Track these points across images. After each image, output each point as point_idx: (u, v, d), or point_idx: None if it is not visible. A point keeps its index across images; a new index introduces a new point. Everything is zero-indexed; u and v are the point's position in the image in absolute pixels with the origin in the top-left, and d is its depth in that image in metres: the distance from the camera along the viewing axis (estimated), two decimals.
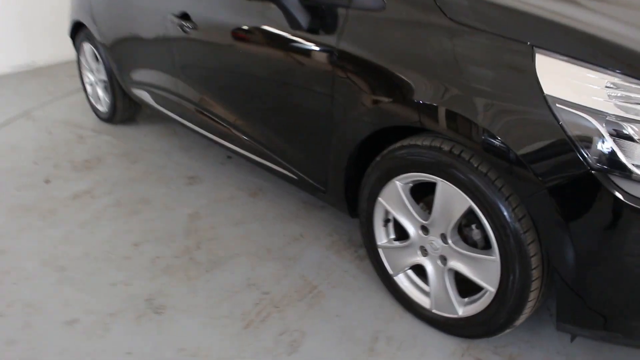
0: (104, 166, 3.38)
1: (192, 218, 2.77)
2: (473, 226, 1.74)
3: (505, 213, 1.53)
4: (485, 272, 1.67)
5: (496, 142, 1.46)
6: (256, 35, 2.26)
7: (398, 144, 1.81)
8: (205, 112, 2.79)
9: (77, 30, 3.92)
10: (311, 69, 1.99)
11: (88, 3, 3.57)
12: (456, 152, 1.61)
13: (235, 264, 2.40)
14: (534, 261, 1.55)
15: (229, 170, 3.21)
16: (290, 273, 2.33)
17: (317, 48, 1.94)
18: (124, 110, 3.85)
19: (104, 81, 3.80)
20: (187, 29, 2.57)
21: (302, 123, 2.17)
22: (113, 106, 3.80)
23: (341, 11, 1.87)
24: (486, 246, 1.70)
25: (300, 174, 2.33)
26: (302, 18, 1.92)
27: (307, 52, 1.99)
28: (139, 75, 3.33)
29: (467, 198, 1.61)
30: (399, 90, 1.67)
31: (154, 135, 3.78)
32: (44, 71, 5.44)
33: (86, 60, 3.97)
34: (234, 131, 2.64)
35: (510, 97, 1.45)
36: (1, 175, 3.33)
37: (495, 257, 1.62)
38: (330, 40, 1.89)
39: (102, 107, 3.97)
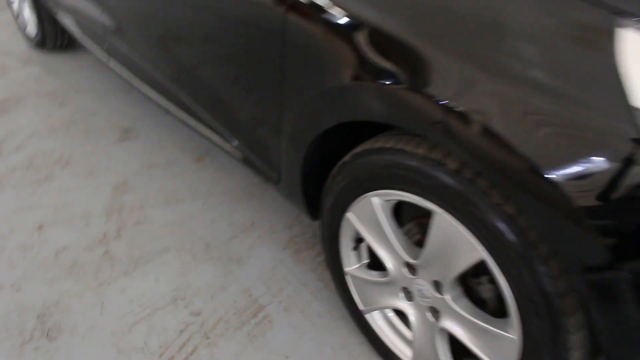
0: (23, 109, 2.72)
1: (117, 190, 2.16)
2: (483, 278, 1.15)
3: (542, 280, 0.94)
4: (496, 351, 1.11)
5: (541, 178, 0.85)
6: None
7: (376, 144, 1.18)
8: (136, 57, 2.11)
9: None
10: (254, 5, 1.34)
11: None
12: (468, 175, 0.99)
13: (161, 265, 1.83)
14: (574, 343, 0.98)
15: (173, 123, 2.57)
16: (231, 283, 1.76)
17: None
18: (54, 36, 3.13)
19: (30, 3, 3.06)
20: None
21: (248, 85, 1.53)
22: (41, 30, 3.07)
23: None
24: (500, 308, 1.12)
25: (247, 153, 1.71)
26: None
27: None
28: None
29: (480, 246, 1.02)
30: (398, 69, 1.03)
31: (92, 71, 3.09)
32: None
33: None
34: (169, 85, 1.98)
35: (575, 100, 0.82)
36: None
37: (514, 336, 1.05)
38: None
39: (31, 31, 3.24)
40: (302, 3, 1.21)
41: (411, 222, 1.32)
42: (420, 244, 1.23)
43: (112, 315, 1.67)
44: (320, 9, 1.17)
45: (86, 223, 2.01)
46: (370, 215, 1.27)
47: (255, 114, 1.56)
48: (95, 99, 2.80)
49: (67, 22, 2.70)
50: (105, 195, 2.14)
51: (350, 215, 1.33)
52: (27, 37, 3.34)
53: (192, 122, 1.94)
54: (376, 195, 1.22)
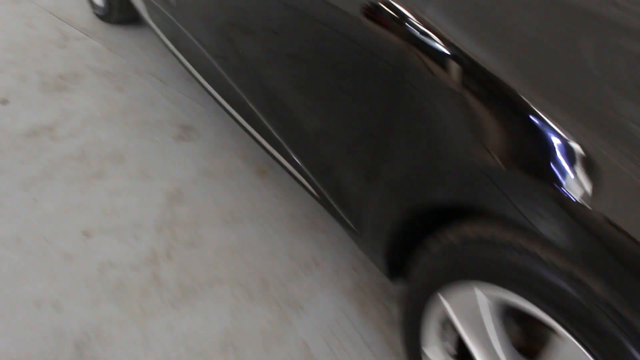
0: (80, 89, 2.57)
1: (171, 200, 1.99)
2: None
3: None
4: None
5: None
6: None
7: (487, 231, 0.96)
8: (211, 60, 1.91)
9: None
10: (366, 40, 1.12)
11: None
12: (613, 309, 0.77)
13: (213, 300, 1.66)
14: None
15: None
16: (287, 333, 1.58)
17: (381, 9, 1.05)
18: (120, 9, 2.95)
19: None
20: None
21: (342, 117, 1.31)
22: (108, 3, 2.90)
23: None
24: None
25: (325, 194, 1.50)
26: None
27: (366, 11, 1.09)
28: None
29: None
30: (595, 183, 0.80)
31: (155, 53, 2.91)
32: None
33: None
34: (241, 94, 1.78)
35: None
36: None
37: None
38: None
39: (97, 0, 3.07)
40: (431, 45, 0.97)
41: (517, 323, 1.10)
42: (527, 352, 1.02)
43: (155, 356, 1.50)
44: (464, 59, 0.93)
45: (135, 235, 1.84)
46: (472, 311, 1.05)
47: (344, 150, 1.35)
48: (155, 86, 2.62)
49: (139, 6, 2.51)
50: (157, 204, 1.97)
51: (443, 298, 1.11)
52: (92, 6, 3.16)
53: (264, 141, 1.74)
54: (483, 288, 1.00)
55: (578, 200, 0.77)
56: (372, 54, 1.11)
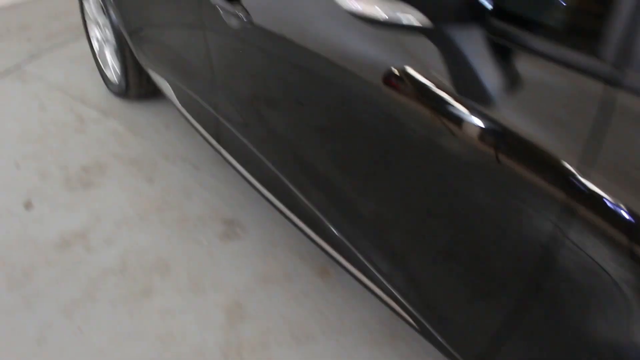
0: (106, 182, 2.39)
1: (231, 316, 1.80)
2: None
3: None
4: None
5: None
6: (382, 88, 1.15)
7: None
8: (249, 145, 1.74)
9: None
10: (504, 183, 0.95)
11: None
12: None
13: None
14: None
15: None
16: None
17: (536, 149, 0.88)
18: (139, 86, 2.77)
19: (113, 44, 2.70)
20: (231, 17, 1.49)
21: (462, 251, 1.15)
22: (125, 79, 2.73)
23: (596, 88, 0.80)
24: None
25: (428, 327, 1.31)
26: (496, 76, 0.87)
27: (511, 151, 0.92)
28: (159, 56, 2.25)
29: None
30: None
31: (180, 129, 2.74)
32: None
33: (90, 10, 2.84)
34: (288, 184, 1.61)
35: None
36: None
37: None
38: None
39: (112, 76, 2.90)
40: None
41: None
42: None
43: None
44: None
45: None
46: None
47: (467, 292, 1.17)
48: (187, 173, 2.44)
49: (165, 89, 2.33)
50: (218, 323, 1.78)
51: None
52: (106, 81, 2.99)
53: (321, 241, 1.56)
54: None
55: None
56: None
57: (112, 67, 2.86)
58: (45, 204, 2.28)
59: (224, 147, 1.97)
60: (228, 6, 1.51)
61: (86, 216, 2.22)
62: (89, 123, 2.79)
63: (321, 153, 1.42)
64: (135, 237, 2.12)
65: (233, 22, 1.51)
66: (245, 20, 1.45)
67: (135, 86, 2.77)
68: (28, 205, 2.29)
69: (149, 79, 2.68)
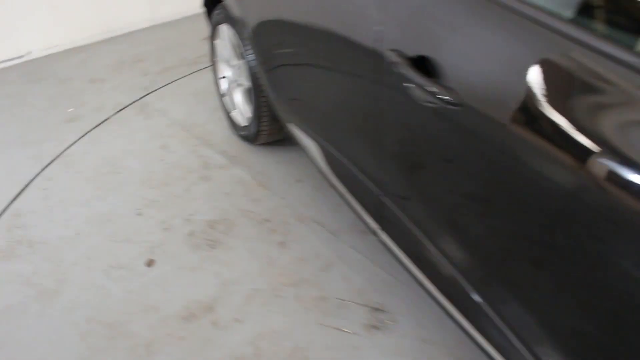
0: (234, 244, 2.16)
1: None
2: None
3: None
4: None
5: None
6: None
7: None
8: (433, 251, 1.43)
9: (216, 1, 2.59)
10: None
11: None
12: None
13: None
14: None
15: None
16: None
17: None
18: (271, 133, 2.54)
19: (247, 88, 2.48)
20: (425, 93, 1.20)
21: None
22: (256, 125, 2.49)
23: None
24: None
25: None
26: None
27: None
28: (308, 114, 2.00)
29: None
30: None
31: (314, 186, 2.48)
32: (169, 28, 4.19)
33: (223, 50, 2.65)
34: (479, 301, 1.27)
35: None
36: (94, 231, 2.19)
37: None
38: None
39: (240, 119, 2.69)
40: None
41: None
42: None
43: None
44: None
45: None
46: None
47: None
48: (324, 241, 2.15)
49: (308, 148, 2.06)
50: None
51: None
52: (233, 126, 2.78)
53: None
54: None
55: None
56: None
57: (242, 110, 2.64)
58: (168, 264, 2.06)
59: (385, 230, 1.67)
60: (423, 81, 1.20)
61: (213, 284, 1.97)
62: (214, 169, 2.58)
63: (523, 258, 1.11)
64: (268, 317, 1.84)
65: (427, 99, 1.20)
66: (448, 99, 1.14)
67: (267, 134, 2.54)
68: (150, 263, 2.07)
69: (282, 127, 2.43)
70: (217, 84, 2.86)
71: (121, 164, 2.65)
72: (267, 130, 2.51)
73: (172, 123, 2.96)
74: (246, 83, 2.46)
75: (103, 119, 3.02)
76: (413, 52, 1.24)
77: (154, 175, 2.55)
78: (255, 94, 2.37)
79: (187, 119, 2.99)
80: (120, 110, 3.10)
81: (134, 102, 3.18)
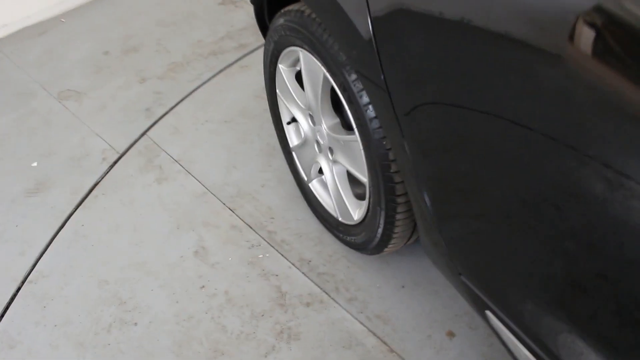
0: None
1: None
2: None
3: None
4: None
5: None
6: None
7: None
8: None
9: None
10: None
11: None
12: None
13: None
14: None
15: None
16: None
17: None
18: (401, 242, 1.31)
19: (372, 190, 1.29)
20: None
21: None
22: (384, 236, 1.34)
23: None
24: None
25: None
26: None
27: None
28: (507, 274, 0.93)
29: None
30: None
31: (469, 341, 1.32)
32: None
33: (292, 85, 1.42)
34: None
35: None
36: None
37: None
38: None
39: (346, 215, 1.47)
40: None
41: None
42: None
43: None
44: None
45: None
46: None
47: None
48: None
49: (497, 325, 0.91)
50: None
51: None
52: (342, 235, 1.56)
53: None
54: None
55: None
56: None
57: (337, 196, 1.39)
58: None
59: None
60: None
61: None
62: (296, 308, 1.38)
63: None
64: None
65: None
66: None
67: (396, 244, 1.32)
68: None
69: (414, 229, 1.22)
70: (279, 129, 1.60)
71: (125, 317, 1.45)
72: (398, 238, 1.29)
73: (204, 193, 1.71)
74: (355, 171, 1.26)
75: (84, 192, 1.76)
76: None
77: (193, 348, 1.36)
78: (385, 192, 1.17)
79: (226, 180, 1.75)
80: (112, 167, 1.84)
81: (132, 145, 1.91)
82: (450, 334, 1.42)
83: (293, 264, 1.55)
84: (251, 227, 1.65)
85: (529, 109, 0.75)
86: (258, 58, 2.18)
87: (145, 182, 1.80)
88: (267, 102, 1.64)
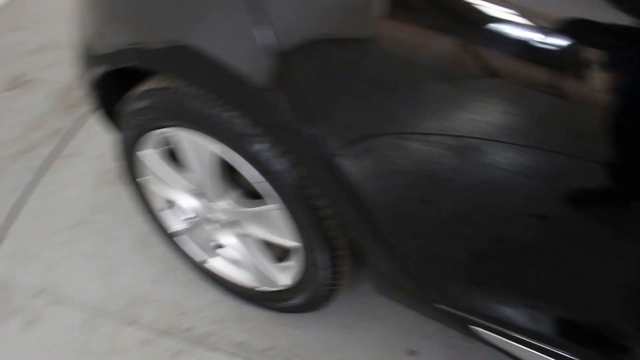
0: None
1: None
2: None
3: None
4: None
5: None
6: None
7: None
8: None
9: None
10: None
11: None
12: None
13: None
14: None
15: None
16: None
17: None
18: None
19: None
20: None
21: None
22: (322, 286, 1.27)
23: None
24: None
25: None
26: None
27: None
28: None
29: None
30: None
31: None
32: None
33: (160, 167, 1.24)
34: None
35: None
36: None
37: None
38: None
39: (269, 283, 1.36)
40: None
41: None
42: None
43: None
44: None
45: None
46: None
47: None
48: None
49: None
50: None
51: None
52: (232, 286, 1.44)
53: None
54: None
55: None
56: None
57: (266, 268, 1.28)
58: None
59: None
60: None
61: None
62: None
63: None
64: None
65: None
66: None
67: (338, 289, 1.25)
68: None
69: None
70: (152, 216, 1.40)
71: None
72: (341, 285, 1.22)
73: (90, 319, 1.50)
74: (275, 238, 1.14)
75: None
76: None
77: None
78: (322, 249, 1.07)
79: (109, 292, 1.55)
80: None
81: None
82: (412, 353, 1.37)
83: (229, 353, 1.37)
84: (165, 333, 1.43)
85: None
86: (80, 140, 1.91)
87: (9, 335, 1.46)
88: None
